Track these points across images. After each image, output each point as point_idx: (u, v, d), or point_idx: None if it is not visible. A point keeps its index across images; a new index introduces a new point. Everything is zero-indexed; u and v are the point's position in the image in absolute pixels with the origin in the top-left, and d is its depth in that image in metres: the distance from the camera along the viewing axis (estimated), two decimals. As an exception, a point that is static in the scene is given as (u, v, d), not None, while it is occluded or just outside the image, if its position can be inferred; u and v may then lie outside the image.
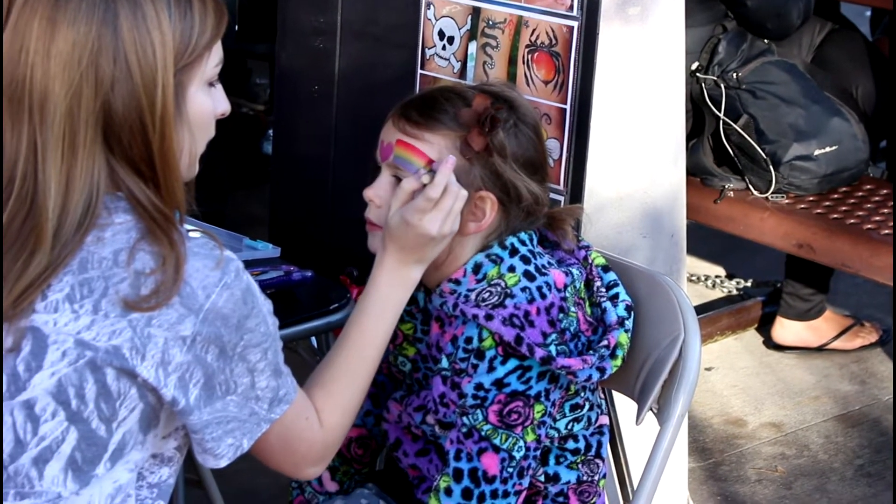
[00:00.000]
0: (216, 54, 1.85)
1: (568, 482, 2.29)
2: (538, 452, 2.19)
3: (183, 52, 1.79)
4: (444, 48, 2.95)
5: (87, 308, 1.76)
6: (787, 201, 3.92)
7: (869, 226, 3.80)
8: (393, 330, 2.13)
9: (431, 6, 2.96)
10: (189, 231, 1.85)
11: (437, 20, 2.95)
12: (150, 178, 1.80)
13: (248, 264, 2.87)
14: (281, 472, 2.01)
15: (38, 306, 1.76)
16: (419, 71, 3.01)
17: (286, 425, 1.92)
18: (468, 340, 2.15)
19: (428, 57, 2.99)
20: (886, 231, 3.77)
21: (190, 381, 1.80)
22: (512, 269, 2.18)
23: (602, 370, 2.17)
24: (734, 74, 3.93)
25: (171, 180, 1.81)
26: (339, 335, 2.13)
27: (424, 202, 2.11)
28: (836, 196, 3.96)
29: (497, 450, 2.14)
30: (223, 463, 1.89)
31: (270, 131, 5.09)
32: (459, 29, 2.92)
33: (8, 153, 1.76)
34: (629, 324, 2.24)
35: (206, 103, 1.86)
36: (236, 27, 5.10)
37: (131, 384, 1.79)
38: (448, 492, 2.14)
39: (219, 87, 1.89)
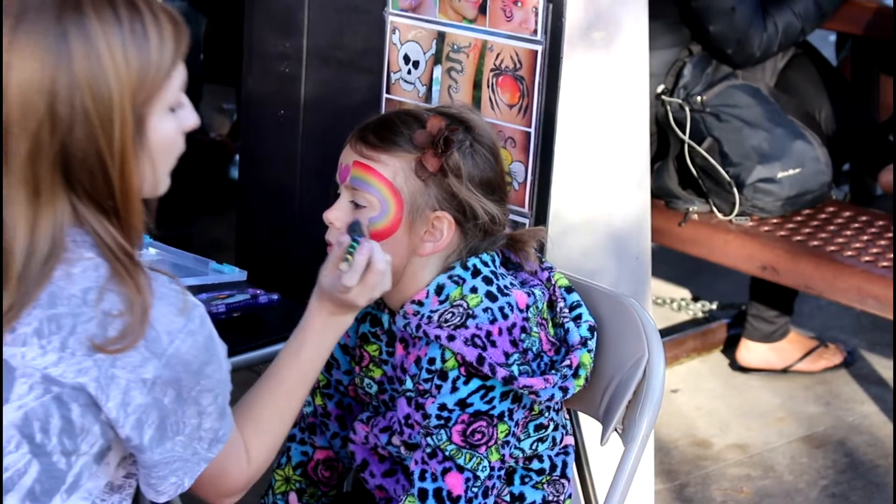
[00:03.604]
0: (178, 78, 1.82)
1: (533, 502, 2.30)
2: (503, 472, 2.20)
3: (140, 86, 1.77)
4: (409, 72, 2.96)
5: (55, 345, 1.76)
6: (750, 224, 3.95)
7: (832, 248, 3.83)
8: (321, 370, 2.16)
9: (397, 31, 2.97)
10: (151, 264, 1.85)
11: (402, 45, 2.96)
12: (113, 211, 1.79)
13: (215, 288, 2.89)
14: (200, 497, 2.03)
15: (7, 338, 1.76)
16: (385, 95, 3.02)
17: (219, 461, 1.93)
18: (431, 361, 2.16)
19: (393, 81, 3.00)
20: (849, 253, 3.79)
21: (146, 422, 1.81)
22: (474, 289, 2.19)
23: (565, 390, 2.18)
24: (699, 98, 3.96)
25: (131, 212, 1.80)
26: (270, 367, 2.13)
27: (343, 288, 2.10)
28: (799, 218, 3.99)
29: (461, 469, 2.14)
30: (163, 499, 1.91)
31: (237, 156, 5.08)
32: (424, 53, 2.93)
33: None
34: (592, 344, 2.25)
35: (170, 128, 1.83)
36: (201, 56, 5.08)
37: (95, 421, 1.80)
38: (413, 512, 2.15)
39: (184, 101, 1.86)
